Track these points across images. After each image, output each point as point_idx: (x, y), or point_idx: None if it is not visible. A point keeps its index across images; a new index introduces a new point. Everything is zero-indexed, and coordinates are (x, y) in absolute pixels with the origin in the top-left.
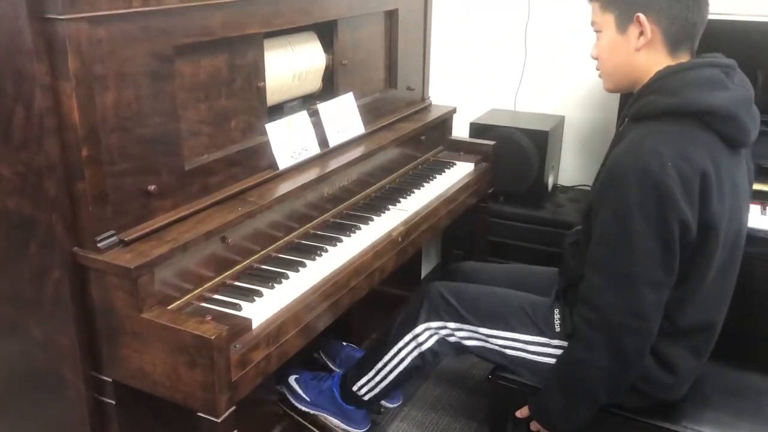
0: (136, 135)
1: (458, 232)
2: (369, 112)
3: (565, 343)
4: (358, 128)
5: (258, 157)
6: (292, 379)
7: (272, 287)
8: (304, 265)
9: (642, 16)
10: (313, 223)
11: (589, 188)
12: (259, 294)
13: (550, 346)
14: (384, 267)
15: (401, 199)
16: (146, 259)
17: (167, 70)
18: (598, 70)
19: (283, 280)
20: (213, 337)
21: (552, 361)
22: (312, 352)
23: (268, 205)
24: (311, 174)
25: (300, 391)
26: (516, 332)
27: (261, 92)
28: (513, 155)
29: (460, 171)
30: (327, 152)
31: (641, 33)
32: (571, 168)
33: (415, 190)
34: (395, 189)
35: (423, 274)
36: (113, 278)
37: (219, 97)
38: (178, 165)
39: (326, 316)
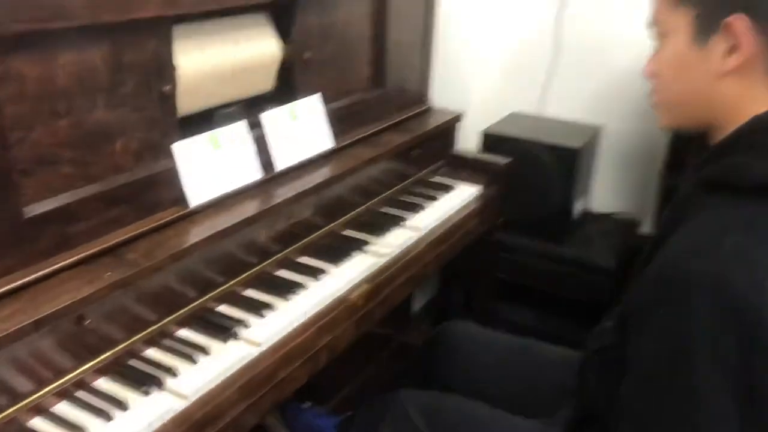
0: None
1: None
2: (344, 119)
3: None
4: (323, 142)
5: (158, 192)
6: None
7: (147, 393)
8: (206, 352)
9: (738, 22)
10: (237, 279)
11: (628, 217)
12: (123, 407)
13: None
14: (335, 344)
15: (373, 239)
16: None
17: None
18: (654, 96)
19: (167, 379)
20: None
21: None
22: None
23: (157, 266)
24: (242, 211)
25: None
26: None
27: (167, 99)
28: (532, 175)
29: (461, 196)
30: (272, 177)
31: (733, 48)
32: (607, 190)
33: (392, 227)
34: (367, 224)
35: (414, 308)
36: None
37: (93, 109)
38: (9, 212)
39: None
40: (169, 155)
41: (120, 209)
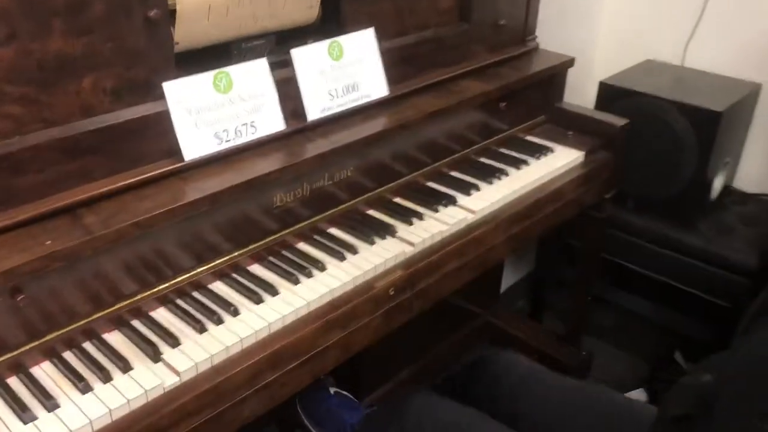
0: None
1: (562, 235)
2: (410, 61)
3: None
4: (374, 89)
5: (142, 142)
6: None
7: (88, 387)
8: (177, 340)
9: None
10: (238, 253)
11: None
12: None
13: None
14: (351, 342)
15: (428, 212)
16: None
17: None
18: None
19: (115, 376)
20: None
21: None
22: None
23: (113, 236)
24: (250, 170)
25: None
26: None
27: (155, 27)
28: (659, 141)
29: (558, 162)
30: (299, 130)
31: None
32: (760, 165)
33: (459, 195)
34: (426, 192)
35: (503, 288)
36: None
37: (47, 36)
38: None
39: None
40: (160, 97)
41: (86, 161)
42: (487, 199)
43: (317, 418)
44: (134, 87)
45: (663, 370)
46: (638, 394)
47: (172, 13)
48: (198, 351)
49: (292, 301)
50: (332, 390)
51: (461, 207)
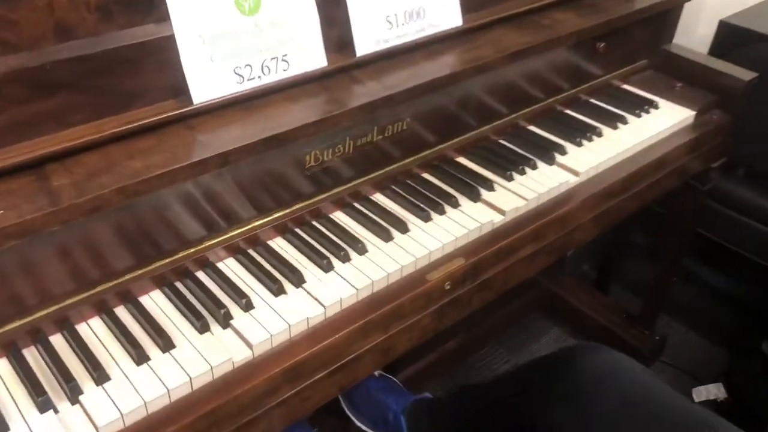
0: None
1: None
2: None
3: None
4: (445, 17)
5: (138, 76)
6: None
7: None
8: (172, 344)
9: None
10: (257, 224)
11: None
12: None
13: None
14: (392, 345)
15: (498, 179)
16: None
17: None
18: None
19: (86, 387)
20: None
21: None
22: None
23: (98, 202)
24: (277, 120)
25: None
26: None
27: None
28: None
29: (663, 122)
30: (343, 68)
31: None
32: None
33: (539, 160)
34: (496, 152)
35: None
36: None
37: None
38: None
39: None
40: (163, 18)
41: (61, 100)
42: (573, 167)
43: (357, 403)
44: (129, 2)
45: (746, 362)
46: (715, 389)
47: None
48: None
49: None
50: (376, 372)
51: (540, 175)
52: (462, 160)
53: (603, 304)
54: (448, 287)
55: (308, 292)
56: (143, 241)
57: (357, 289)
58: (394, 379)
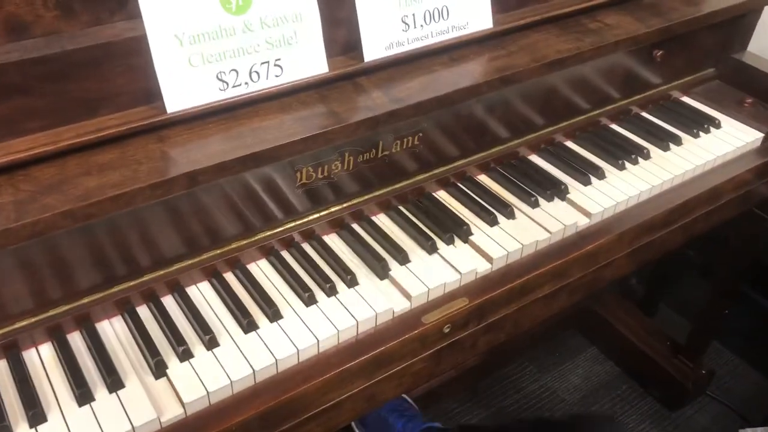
0: None
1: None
2: None
3: None
4: (473, 17)
5: (103, 80)
6: None
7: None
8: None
9: None
10: (240, 244)
11: None
12: None
13: None
14: (377, 392)
15: (522, 206)
16: None
17: None
18: None
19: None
20: None
21: None
22: None
23: (40, 228)
24: (260, 134)
25: None
26: None
27: None
28: None
29: (725, 145)
30: (348, 75)
31: None
32: None
33: (573, 182)
34: (523, 171)
35: None
36: None
37: None
38: None
39: None
40: (135, 15)
41: (14, 106)
42: (610, 194)
43: (365, 419)
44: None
45: None
46: None
47: None
48: None
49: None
50: None
51: (571, 203)
52: (483, 178)
53: (645, 328)
54: (447, 330)
55: (283, 330)
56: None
57: (338, 330)
58: (408, 399)
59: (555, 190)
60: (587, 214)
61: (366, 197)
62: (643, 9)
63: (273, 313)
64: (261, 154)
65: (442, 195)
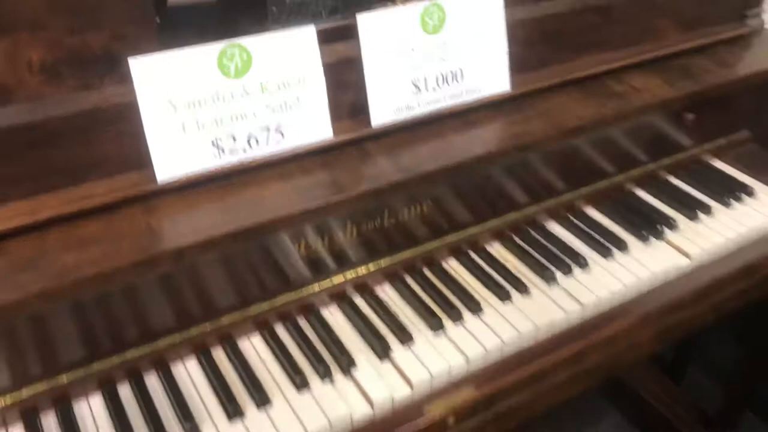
0: None
1: None
2: (551, 38)
3: None
4: (489, 81)
5: (90, 146)
6: None
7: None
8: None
9: None
10: (227, 320)
11: None
12: None
13: None
14: None
15: (536, 281)
16: None
17: None
18: None
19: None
20: None
21: None
22: None
23: None
24: (267, 201)
25: None
26: None
27: None
28: None
29: (759, 216)
30: (354, 141)
31: None
32: None
33: (594, 254)
34: (538, 244)
35: None
36: None
37: None
38: None
39: None
40: (124, 78)
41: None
42: (634, 270)
43: None
44: (82, 60)
45: None
46: None
47: None
48: None
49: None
50: None
51: (590, 279)
52: (497, 248)
53: (673, 395)
54: (451, 422)
55: (271, 419)
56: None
57: (331, 423)
58: None
59: (573, 263)
60: (608, 292)
61: (369, 267)
62: (673, 70)
63: (261, 399)
64: (255, 229)
65: (452, 265)
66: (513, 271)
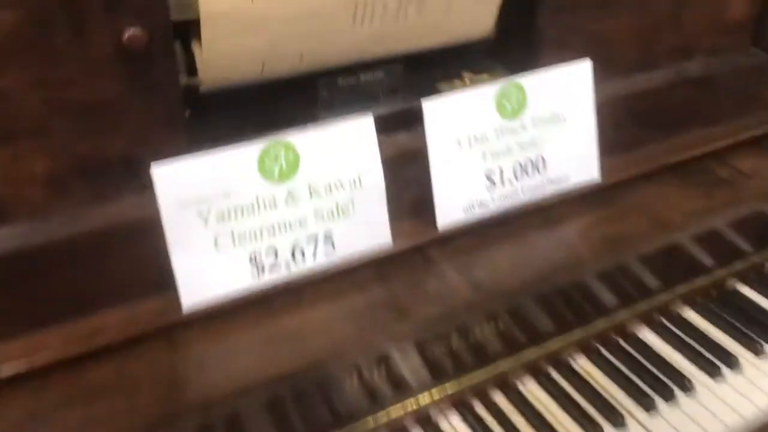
0: None
1: None
2: (645, 118)
3: None
4: (576, 169)
5: (104, 272)
6: None
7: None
8: None
9: None
10: None
11: None
12: None
13: None
14: None
15: (634, 408)
16: None
17: None
18: None
19: None
20: None
21: None
22: None
23: None
24: (318, 333)
25: None
26: None
27: (137, 61)
28: None
29: None
30: (417, 247)
31: None
32: None
33: (701, 377)
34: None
35: None
36: None
37: None
38: None
39: None
40: (144, 187)
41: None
42: (749, 395)
43: None
44: (95, 169)
45: None
46: None
47: (182, 26)
48: None
49: None
50: None
51: (698, 406)
52: (585, 366)
53: None
54: None
55: None
56: None
57: None
58: None
59: (677, 386)
60: (720, 422)
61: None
62: None
63: None
64: (298, 372)
65: (530, 388)
66: (605, 395)
